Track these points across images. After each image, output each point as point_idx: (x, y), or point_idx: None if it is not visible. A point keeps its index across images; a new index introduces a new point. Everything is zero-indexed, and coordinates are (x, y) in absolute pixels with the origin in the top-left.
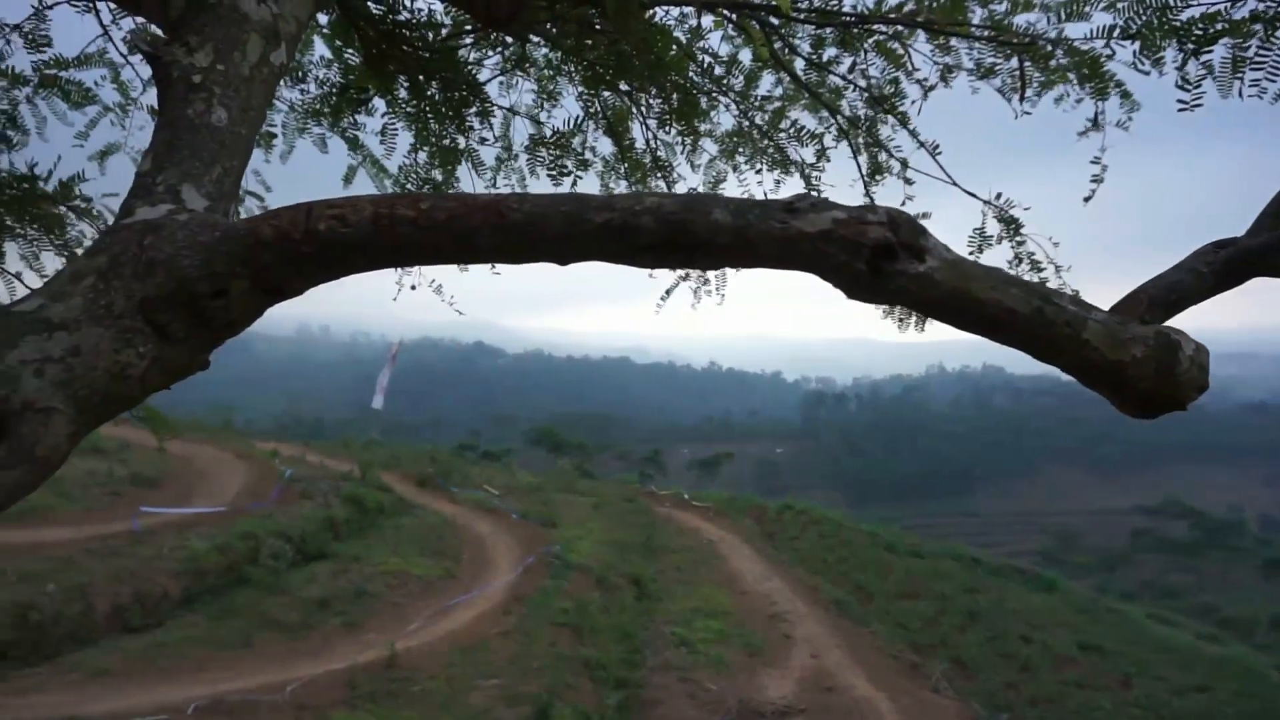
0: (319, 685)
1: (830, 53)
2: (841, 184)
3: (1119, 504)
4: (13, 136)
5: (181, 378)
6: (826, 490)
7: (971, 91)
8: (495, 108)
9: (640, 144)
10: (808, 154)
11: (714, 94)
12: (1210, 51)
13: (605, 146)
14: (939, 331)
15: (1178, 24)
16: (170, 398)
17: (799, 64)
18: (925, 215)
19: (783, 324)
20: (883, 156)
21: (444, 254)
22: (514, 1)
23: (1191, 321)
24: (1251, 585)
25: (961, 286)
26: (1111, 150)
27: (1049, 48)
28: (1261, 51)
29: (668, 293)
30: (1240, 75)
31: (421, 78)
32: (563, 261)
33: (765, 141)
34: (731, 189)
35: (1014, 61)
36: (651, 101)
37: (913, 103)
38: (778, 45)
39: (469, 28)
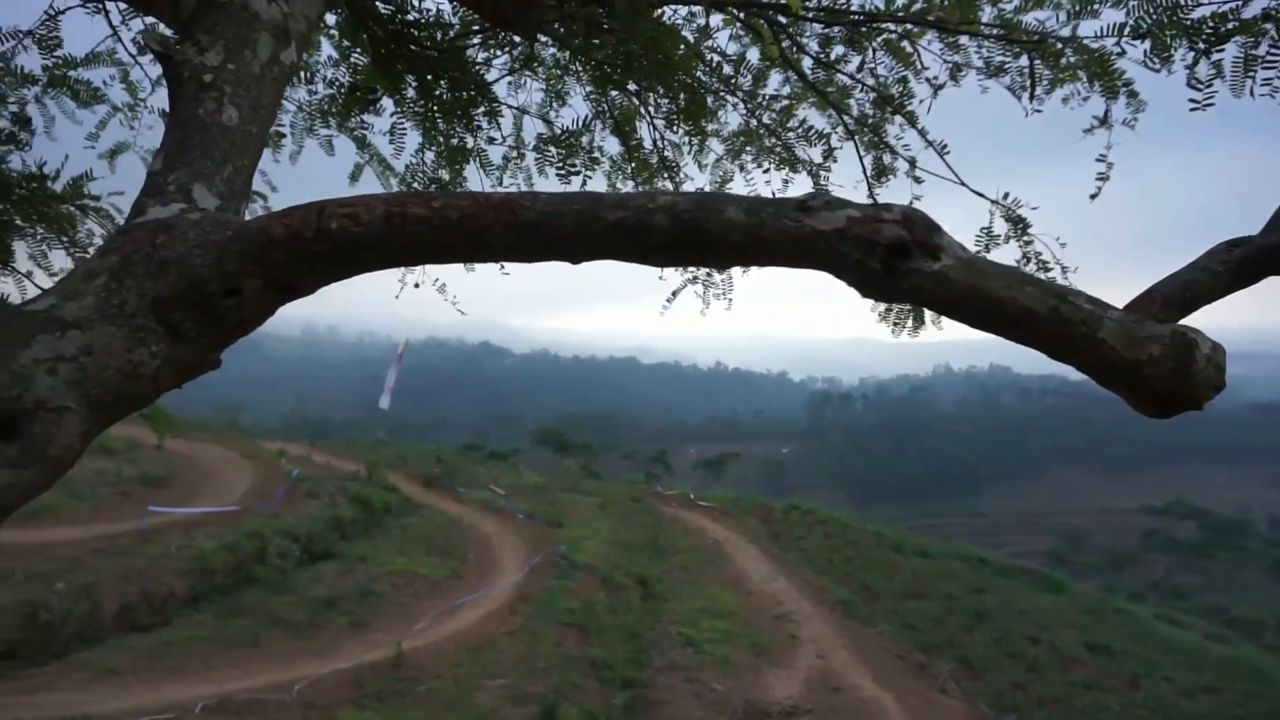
0: (326, 684)
1: (838, 51)
2: (849, 183)
3: (1126, 504)
4: (21, 136)
5: (193, 377)
6: (832, 490)
7: (981, 91)
8: (504, 107)
9: (648, 144)
10: (815, 153)
11: (721, 93)
12: (1221, 51)
13: (612, 146)
14: (945, 331)
15: (1188, 23)
16: (178, 397)
17: (806, 63)
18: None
19: (788, 324)
20: (889, 156)
21: (456, 253)
22: (522, 1)
23: (1195, 321)
24: (1260, 586)
25: (976, 285)
26: (1115, 150)
27: (1059, 46)
28: (1273, 51)
29: (674, 295)
30: (1252, 74)
31: (430, 77)
32: (575, 260)
33: (772, 141)
34: (738, 189)
35: (1023, 60)
36: (659, 101)
37: (920, 102)
38: (786, 44)
39: (477, 27)
